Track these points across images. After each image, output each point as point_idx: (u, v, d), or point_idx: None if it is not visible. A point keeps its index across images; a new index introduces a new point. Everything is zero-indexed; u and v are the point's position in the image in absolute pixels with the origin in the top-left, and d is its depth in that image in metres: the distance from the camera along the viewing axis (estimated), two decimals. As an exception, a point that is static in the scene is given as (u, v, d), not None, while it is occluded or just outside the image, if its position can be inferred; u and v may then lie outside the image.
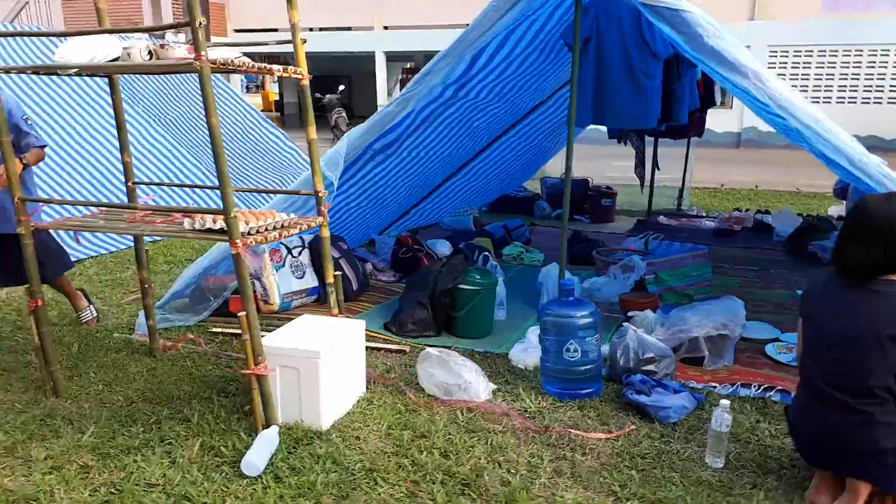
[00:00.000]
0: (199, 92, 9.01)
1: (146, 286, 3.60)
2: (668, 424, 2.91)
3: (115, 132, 6.84)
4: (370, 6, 18.89)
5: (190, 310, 4.14)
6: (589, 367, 3.14)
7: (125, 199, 6.41)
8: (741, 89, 2.96)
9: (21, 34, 3.23)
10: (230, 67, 2.54)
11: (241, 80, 25.90)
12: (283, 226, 2.92)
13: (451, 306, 3.93)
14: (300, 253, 4.55)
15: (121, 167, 6.60)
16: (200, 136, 8.25)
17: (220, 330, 3.98)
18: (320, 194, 3.16)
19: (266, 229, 2.81)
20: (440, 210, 6.77)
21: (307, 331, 3.04)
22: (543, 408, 3.07)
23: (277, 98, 29.06)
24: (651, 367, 3.22)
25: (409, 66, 24.46)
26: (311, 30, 19.43)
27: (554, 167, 8.47)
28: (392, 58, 21.46)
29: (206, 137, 8.32)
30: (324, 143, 17.03)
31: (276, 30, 20.33)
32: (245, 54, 2.79)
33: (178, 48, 2.80)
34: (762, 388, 3.22)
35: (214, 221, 2.76)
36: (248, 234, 2.72)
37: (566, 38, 3.90)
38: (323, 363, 2.81)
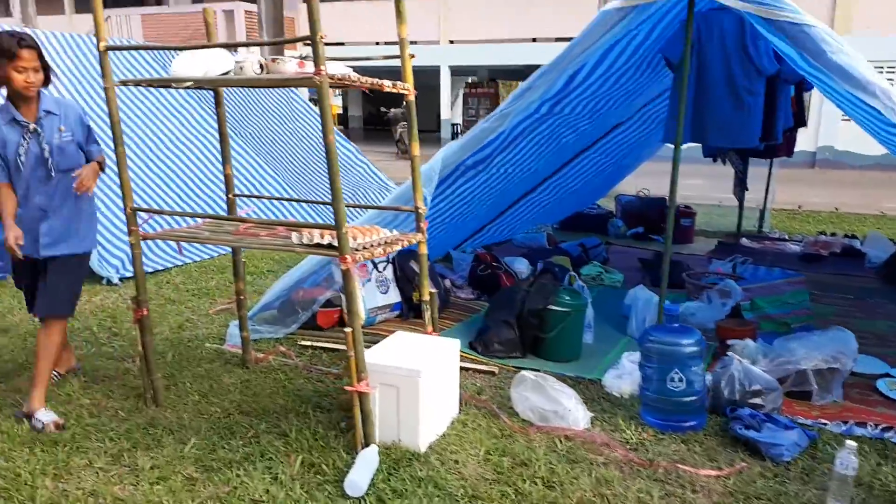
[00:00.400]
0: (277, 106, 9.22)
1: (241, 297, 3.65)
2: (780, 463, 2.75)
3: (199, 143, 7.15)
4: (436, 20, 19.05)
5: (279, 322, 4.18)
6: (693, 398, 3.01)
7: (214, 209, 6.68)
8: (866, 108, 2.81)
9: (140, 48, 3.30)
10: (346, 82, 2.55)
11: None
12: (386, 242, 2.90)
13: (539, 327, 3.85)
14: (385, 268, 4.55)
15: (207, 177, 6.89)
16: (277, 149, 8.42)
17: (309, 343, 4.00)
18: (420, 210, 3.14)
19: (372, 245, 2.80)
20: (513, 226, 6.70)
21: (405, 348, 3.01)
22: (645, 439, 2.95)
23: (340, 111, 29.56)
24: (758, 401, 3.06)
25: (470, 80, 24.56)
26: (377, 43, 19.73)
27: (627, 185, 8.32)
28: (456, 72, 21.59)
29: (282, 151, 8.49)
30: (387, 156, 17.28)
31: (342, 44, 20.74)
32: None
33: (288, 62, 2.82)
34: (880, 428, 3.02)
35: (322, 236, 2.77)
36: (356, 250, 2.70)
37: (667, 52, 3.80)
38: (423, 382, 2.77)
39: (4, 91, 2.91)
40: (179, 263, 5.84)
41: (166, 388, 3.38)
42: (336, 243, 2.70)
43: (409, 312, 4.58)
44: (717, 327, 3.91)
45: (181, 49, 2.97)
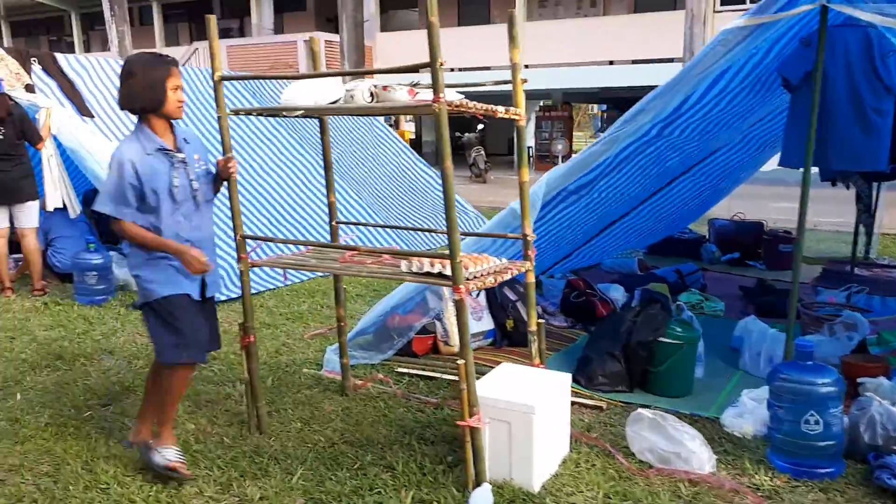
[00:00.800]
0: (359, 131, 9.34)
1: (342, 324, 3.61)
2: (938, 519, 2.47)
3: (289, 170, 7.28)
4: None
5: (374, 348, 4.13)
6: (831, 442, 2.75)
7: (305, 235, 6.79)
8: None
9: (252, 77, 3.35)
10: (462, 109, 2.48)
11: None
12: (496, 271, 2.80)
13: (648, 360, 3.65)
14: (478, 295, 4.45)
15: (298, 203, 7.01)
16: (360, 173, 8.51)
17: (406, 370, 3.93)
18: (529, 238, 3.03)
19: (483, 274, 2.71)
20: (602, 251, 6.49)
21: (514, 382, 2.88)
22: (778, 486, 2.71)
23: (413, 137, 29.90)
24: (903, 447, 2.78)
25: (542, 103, 24.45)
26: (451, 70, 19.89)
27: (720, 208, 7.97)
28: (529, 96, 21.52)
29: (364, 175, 8.57)
30: (461, 180, 17.30)
31: (417, 70, 21.01)
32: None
33: (399, 90, 2.79)
34: None
35: (432, 265, 2.70)
36: (468, 279, 2.62)
37: (784, 72, 3.59)
38: (538, 418, 2.64)
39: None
40: (271, 287, 5.92)
41: (268, 414, 3.36)
42: (448, 272, 2.63)
43: (502, 340, 4.46)
44: (844, 363, 3.61)
45: (294, 78, 2.99)
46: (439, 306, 4.23)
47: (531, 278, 3.08)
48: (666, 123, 3.47)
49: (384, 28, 22.08)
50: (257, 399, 3.17)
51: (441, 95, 2.32)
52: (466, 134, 19.17)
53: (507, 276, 2.81)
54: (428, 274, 2.69)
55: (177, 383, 2.79)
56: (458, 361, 2.54)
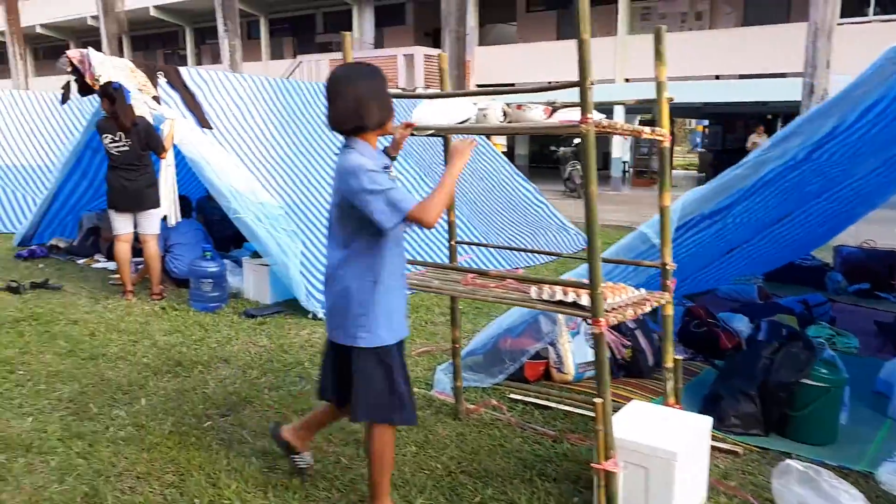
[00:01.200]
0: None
1: (456, 346, 3.52)
2: None
3: (408, 188, 7.30)
4: (611, 59, 18.67)
5: (484, 370, 4.01)
6: None
7: (424, 252, 6.79)
8: None
9: (407, 96, 3.33)
10: (609, 130, 2.34)
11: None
12: (635, 303, 2.63)
13: (788, 403, 3.36)
14: (595, 320, 4.26)
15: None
16: (458, 188, 8.45)
17: (519, 397, 3.79)
18: (668, 267, 2.84)
19: (622, 306, 2.54)
20: (719, 276, 6.13)
21: (651, 423, 2.69)
22: (956, 560, 2.40)
23: (505, 150, 29.80)
24: None
25: (639, 118, 23.82)
26: (549, 84, 19.65)
27: (846, 234, 7.39)
28: (629, 110, 21.02)
29: (465, 190, 8.51)
30: (555, 195, 17.01)
31: (512, 84, 20.94)
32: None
33: (534, 109, 2.67)
34: None
35: (565, 293, 2.56)
36: (606, 311, 2.46)
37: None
38: (679, 465, 2.44)
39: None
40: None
41: (382, 435, 3.30)
42: (583, 302, 2.49)
43: (618, 371, 4.25)
44: None
45: (424, 97, 2.93)
46: (553, 331, 4.07)
47: (669, 311, 2.89)
48: (816, 147, 3.20)
49: (482, 42, 22.13)
50: (374, 421, 3.11)
51: (589, 116, 2.18)
52: (562, 148, 18.84)
53: (647, 309, 2.64)
54: (560, 303, 2.56)
55: (392, 446, 2.55)
56: (596, 400, 2.38)
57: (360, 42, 23.56)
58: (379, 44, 24.30)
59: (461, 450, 3.19)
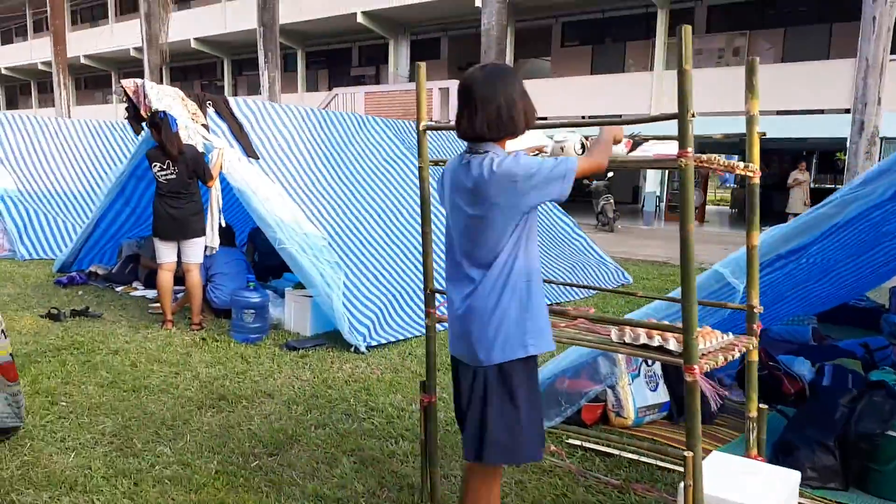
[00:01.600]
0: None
1: (516, 388, 3.35)
2: None
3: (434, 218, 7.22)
4: (647, 94, 18.58)
5: (541, 414, 3.83)
6: None
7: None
8: None
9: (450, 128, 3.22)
10: (706, 165, 2.20)
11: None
12: (723, 347, 2.46)
13: (871, 456, 3.13)
14: (653, 362, 4.07)
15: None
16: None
17: (577, 442, 3.60)
18: (756, 310, 2.66)
19: (712, 351, 2.37)
20: (773, 315, 5.88)
21: (737, 478, 2.49)
22: None
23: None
24: None
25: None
26: (582, 118, 19.63)
27: (903, 276, 7.10)
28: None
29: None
30: (587, 228, 16.80)
31: (545, 118, 20.94)
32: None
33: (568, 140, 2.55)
34: None
35: (650, 336, 2.39)
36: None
37: None
38: (774, 529, 2.24)
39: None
40: (417, 334, 5.77)
41: (443, 476, 3.13)
42: (671, 346, 2.32)
43: (679, 416, 4.04)
44: None
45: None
46: (613, 373, 3.88)
47: (754, 357, 2.70)
48: (904, 184, 3.02)
49: (516, 76, 22.23)
50: (434, 464, 2.95)
51: (689, 150, 2.05)
52: (595, 181, 18.70)
53: (736, 354, 2.46)
54: (645, 347, 2.39)
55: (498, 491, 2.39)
56: (686, 454, 2.20)
57: (395, 75, 23.83)
58: (413, 77, 24.56)
59: (522, 499, 3.01)
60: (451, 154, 8.52)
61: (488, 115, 2.16)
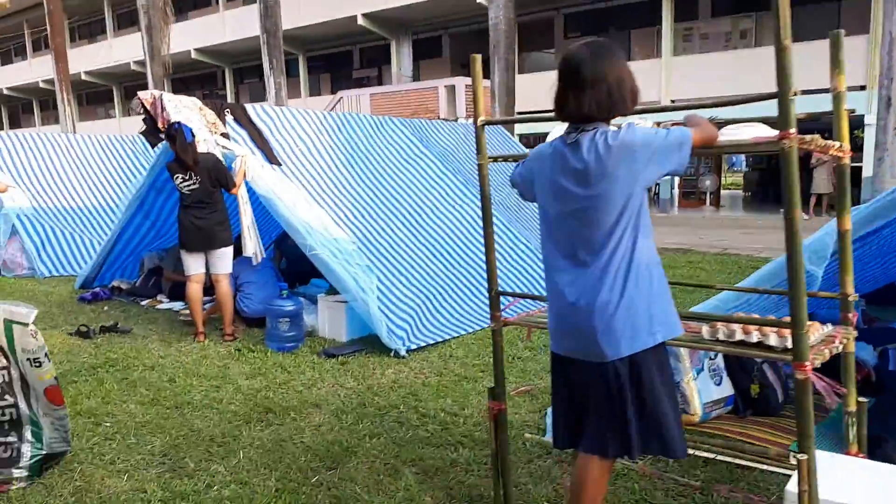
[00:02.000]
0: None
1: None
2: None
3: (458, 215, 7.08)
4: (657, 82, 18.38)
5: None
6: None
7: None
8: None
9: (511, 121, 3.10)
10: (807, 147, 2.05)
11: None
12: (823, 340, 2.31)
13: (963, 444, 2.98)
14: (716, 355, 3.92)
15: (468, 250, 6.78)
16: (526, 215, 8.18)
17: (647, 444, 3.44)
18: (850, 299, 2.51)
19: (816, 345, 2.23)
20: (822, 299, 5.71)
21: (847, 478, 2.34)
22: None
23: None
24: None
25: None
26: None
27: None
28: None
29: (531, 217, 8.24)
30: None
31: (549, 111, 20.71)
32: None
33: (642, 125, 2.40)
34: None
35: (746, 332, 2.24)
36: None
37: None
38: (896, 531, 2.09)
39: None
40: (454, 335, 5.63)
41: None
42: (772, 342, 2.18)
43: (745, 409, 3.88)
44: None
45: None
46: (676, 369, 3.73)
47: (852, 348, 2.55)
48: None
49: (520, 70, 22.04)
50: (506, 476, 2.81)
51: (792, 130, 1.90)
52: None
53: (838, 347, 2.31)
54: (742, 343, 2.24)
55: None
56: (800, 456, 2.05)
57: (398, 76, 23.69)
58: (416, 76, 24.41)
59: (602, 506, 2.86)
60: (469, 149, 8.39)
61: (598, 94, 2.06)
